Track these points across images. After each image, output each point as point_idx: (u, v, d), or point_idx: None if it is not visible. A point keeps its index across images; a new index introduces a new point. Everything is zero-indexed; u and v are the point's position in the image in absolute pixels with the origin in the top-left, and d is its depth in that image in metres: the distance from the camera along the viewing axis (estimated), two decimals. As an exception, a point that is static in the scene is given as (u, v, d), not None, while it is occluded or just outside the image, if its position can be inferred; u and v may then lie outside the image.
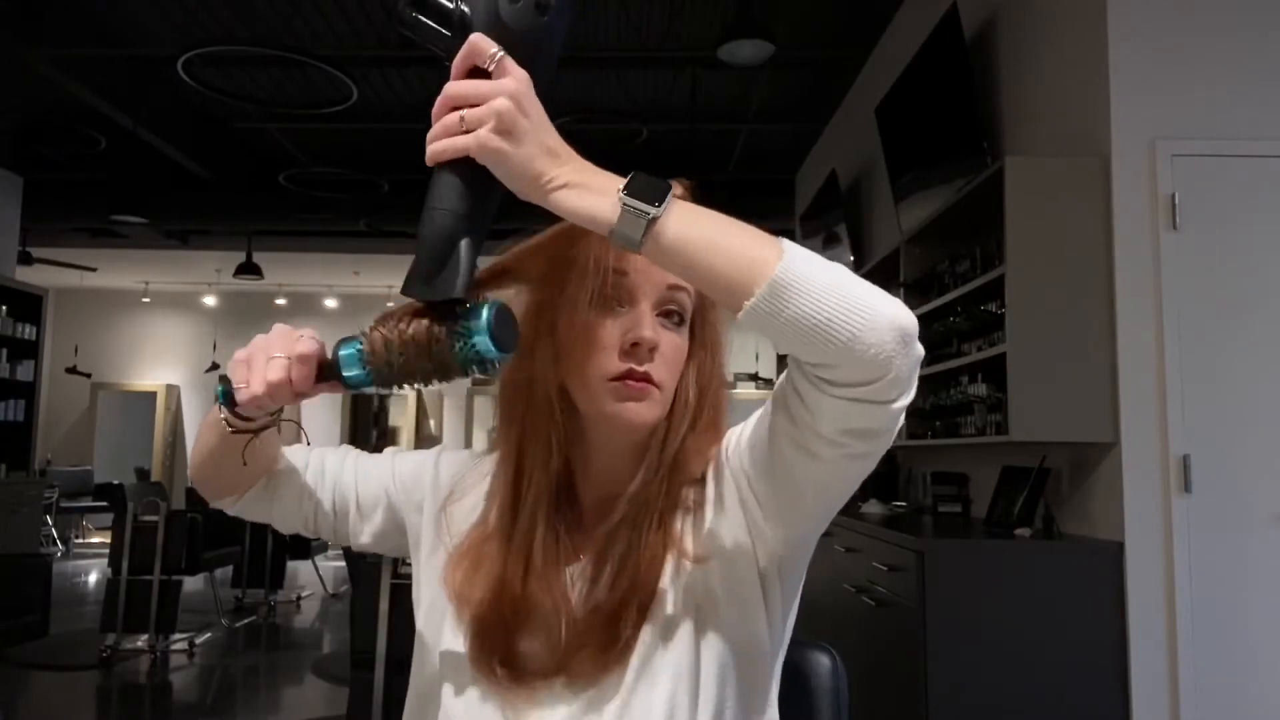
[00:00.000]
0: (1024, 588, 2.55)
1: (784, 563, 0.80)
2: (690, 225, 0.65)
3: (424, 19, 0.67)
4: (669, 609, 0.78)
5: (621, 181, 0.65)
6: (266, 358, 0.72)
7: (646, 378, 0.76)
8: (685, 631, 0.77)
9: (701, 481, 0.83)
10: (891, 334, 0.61)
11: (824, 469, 0.71)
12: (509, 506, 0.81)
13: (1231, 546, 2.59)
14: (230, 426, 0.80)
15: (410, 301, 0.71)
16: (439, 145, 0.66)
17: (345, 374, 0.70)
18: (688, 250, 0.64)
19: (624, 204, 0.64)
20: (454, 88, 0.66)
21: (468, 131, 0.65)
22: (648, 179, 0.65)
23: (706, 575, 0.79)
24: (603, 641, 0.75)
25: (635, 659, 0.76)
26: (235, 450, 0.82)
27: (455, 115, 0.65)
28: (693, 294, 0.82)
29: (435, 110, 0.67)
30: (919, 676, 2.50)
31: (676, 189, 0.67)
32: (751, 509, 0.79)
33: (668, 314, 0.80)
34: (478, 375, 0.67)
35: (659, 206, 0.64)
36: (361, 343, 0.70)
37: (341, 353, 0.71)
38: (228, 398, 0.75)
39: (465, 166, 0.66)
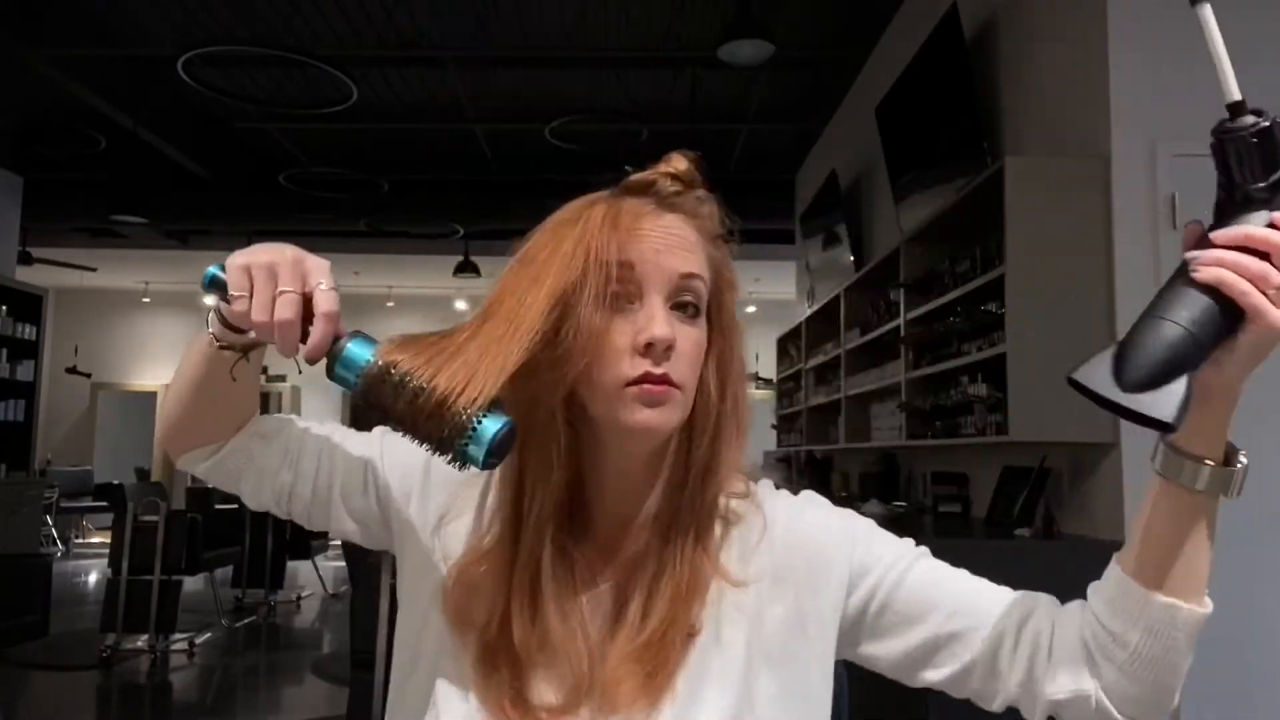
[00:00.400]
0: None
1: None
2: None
3: (1254, 143, 0.59)
4: (715, 639, 0.72)
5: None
6: (276, 287, 0.65)
7: (666, 379, 0.68)
8: (734, 664, 0.71)
9: (747, 497, 0.78)
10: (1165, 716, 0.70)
11: (959, 690, 0.73)
12: (510, 527, 0.73)
13: (1232, 546, 2.59)
14: (218, 341, 0.71)
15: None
16: (1237, 282, 0.59)
17: (338, 369, 0.64)
18: (1209, 524, 0.67)
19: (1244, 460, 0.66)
20: None
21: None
22: None
23: (757, 601, 0.73)
24: (642, 676, 0.68)
25: (679, 694, 0.69)
26: (222, 373, 0.73)
27: (1269, 269, 0.59)
28: (708, 279, 0.74)
29: (1244, 236, 0.60)
30: (919, 676, 2.50)
31: None
32: (835, 606, 0.75)
33: (682, 306, 0.71)
34: (443, 459, 0.63)
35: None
36: (375, 355, 0.64)
37: (350, 346, 0.64)
38: (216, 283, 0.66)
39: (1229, 306, 0.59)
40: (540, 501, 0.72)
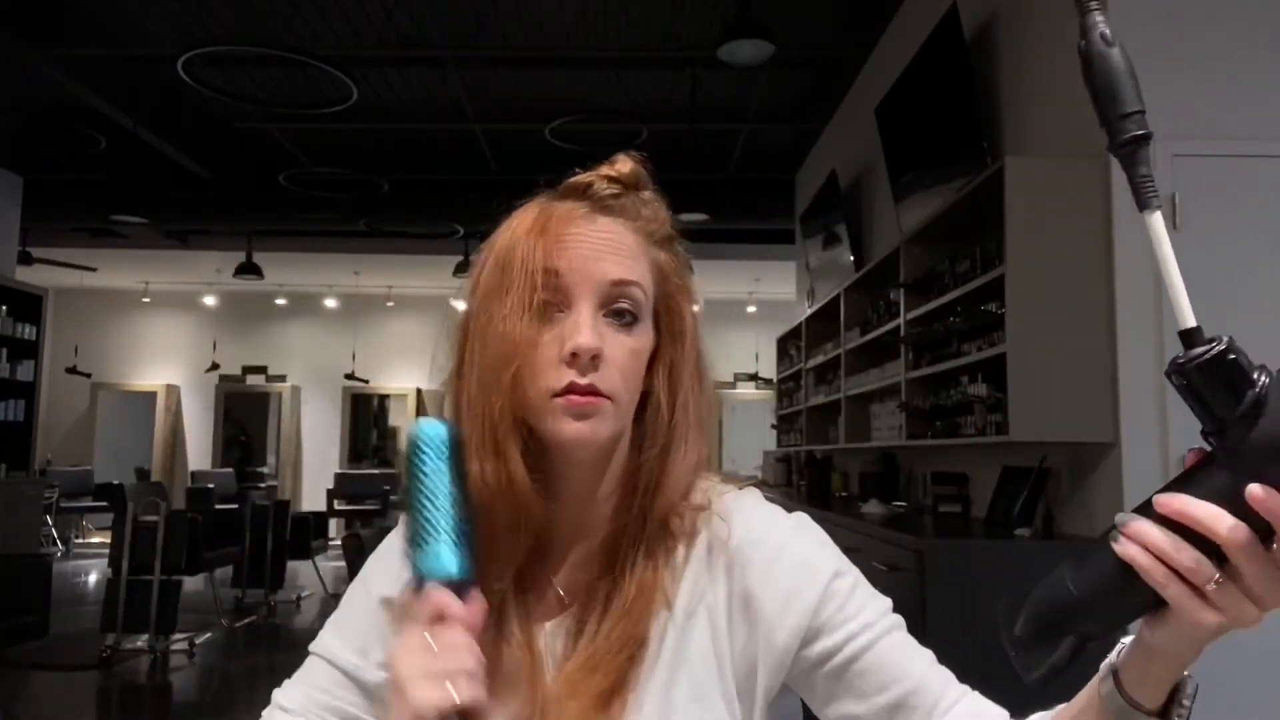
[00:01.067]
0: (1024, 588, 2.55)
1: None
2: None
3: (1205, 378, 0.48)
4: (680, 661, 0.70)
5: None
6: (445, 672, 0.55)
7: (592, 390, 0.66)
8: (705, 689, 0.70)
9: (706, 509, 0.74)
10: None
11: None
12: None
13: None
14: None
15: None
16: (1155, 570, 0.49)
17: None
18: None
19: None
20: (1235, 535, 0.47)
21: (1194, 588, 0.49)
22: None
23: (729, 624, 0.72)
24: (591, 696, 0.67)
25: (632, 714, 0.68)
26: None
27: (1201, 563, 0.48)
28: (648, 285, 0.72)
29: (1180, 510, 0.49)
30: (919, 676, 2.49)
31: None
32: (784, 649, 0.71)
33: (618, 314, 0.69)
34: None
35: None
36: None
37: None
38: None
39: (1139, 585, 0.51)
40: (497, 530, 0.68)
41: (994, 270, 2.92)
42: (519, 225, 0.70)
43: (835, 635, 0.70)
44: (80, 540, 10.08)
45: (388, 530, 0.89)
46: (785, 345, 6.62)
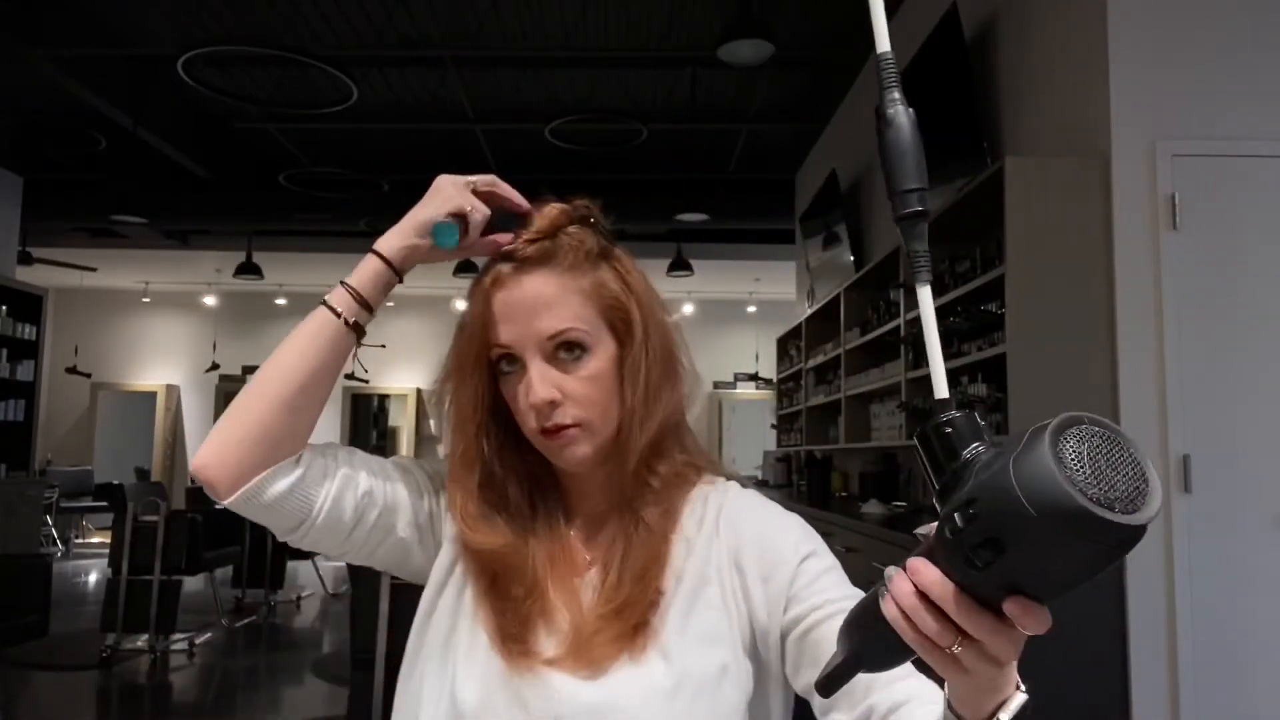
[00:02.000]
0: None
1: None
2: None
3: (935, 445, 0.51)
4: (676, 606, 0.82)
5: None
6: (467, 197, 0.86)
7: (557, 428, 0.81)
8: (694, 628, 0.81)
9: (695, 485, 0.89)
10: None
11: None
12: (519, 526, 0.87)
13: (1231, 546, 2.59)
14: (350, 317, 0.87)
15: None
16: (907, 631, 0.51)
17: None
18: None
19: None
20: (969, 620, 0.49)
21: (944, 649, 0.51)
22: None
23: (732, 586, 0.83)
24: (617, 634, 0.79)
25: (651, 647, 0.79)
26: (342, 358, 0.86)
27: (943, 631, 0.49)
28: (585, 316, 0.83)
29: (923, 583, 0.49)
30: (919, 676, 2.49)
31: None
32: (759, 615, 0.82)
33: (569, 350, 0.82)
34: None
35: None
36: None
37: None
38: (449, 231, 0.86)
39: (902, 648, 0.53)
40: (537, 505, 0.88)
41: (994, 270, 2.92)
42: (470, 312, 0.86)
43: (800, 606, 0.79)
44: (80, 540, 10.08)
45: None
46: (785, 345, 6.62)
